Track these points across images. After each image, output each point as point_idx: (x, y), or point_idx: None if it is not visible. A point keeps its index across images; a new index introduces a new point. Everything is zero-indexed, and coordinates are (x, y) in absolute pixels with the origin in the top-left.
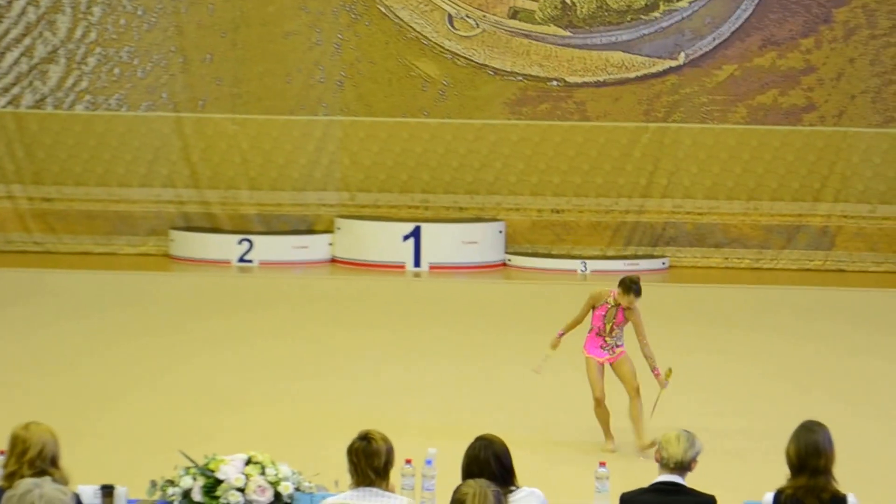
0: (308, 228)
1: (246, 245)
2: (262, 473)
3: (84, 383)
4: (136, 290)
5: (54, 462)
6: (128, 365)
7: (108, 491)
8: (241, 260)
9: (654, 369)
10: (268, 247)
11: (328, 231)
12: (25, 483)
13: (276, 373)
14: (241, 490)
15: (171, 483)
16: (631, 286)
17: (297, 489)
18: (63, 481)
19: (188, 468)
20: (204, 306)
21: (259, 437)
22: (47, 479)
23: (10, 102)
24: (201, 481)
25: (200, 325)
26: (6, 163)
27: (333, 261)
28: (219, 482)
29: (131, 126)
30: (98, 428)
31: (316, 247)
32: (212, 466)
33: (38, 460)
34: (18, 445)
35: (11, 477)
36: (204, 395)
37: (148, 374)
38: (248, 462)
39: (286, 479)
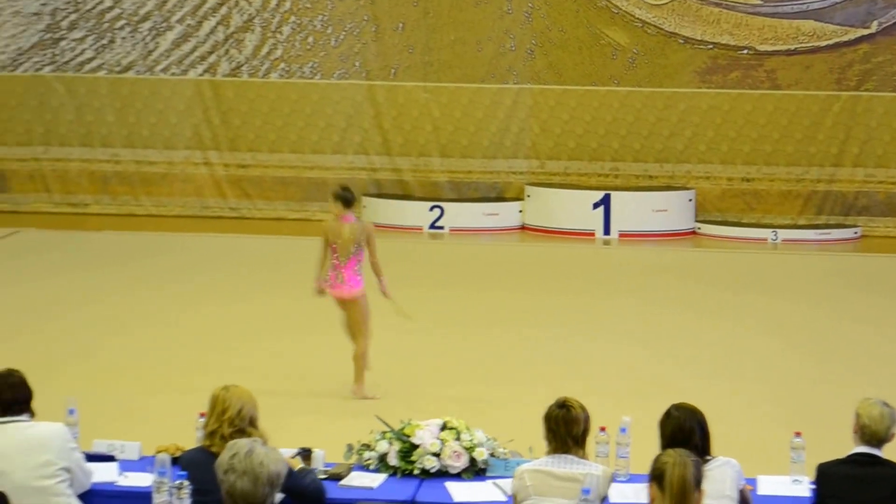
0: (498, 196)
1: (437, 212)
2: (458, 439)
3: (281, 350)
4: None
5: (252, 422)
6: (323, 331)
7: (306, 454)
8: (433, 227)
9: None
10: (458, 214)
11: (518, 198)
12: (242, 443)
13: (465, 340)
14: (437, 455)
15: (368, 447)
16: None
17: (492, 455)
18: (262, 442)
19: (384, 433)
20: (396, 272)
21: (454, 404)
22: (258, 440)
23: (206, 70)
24: (397, 446)
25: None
26: (203, 130)
27: (523, 228)
28: (414, 447)
29: (324, 94)
30: (297, 390)
31: (506, 214)
32: (407, 431)
33: (238, 419)
34: (218, 405)
35: (212, 435)
36: (397, 362)
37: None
38: (444, 427)
39: (481, 444)
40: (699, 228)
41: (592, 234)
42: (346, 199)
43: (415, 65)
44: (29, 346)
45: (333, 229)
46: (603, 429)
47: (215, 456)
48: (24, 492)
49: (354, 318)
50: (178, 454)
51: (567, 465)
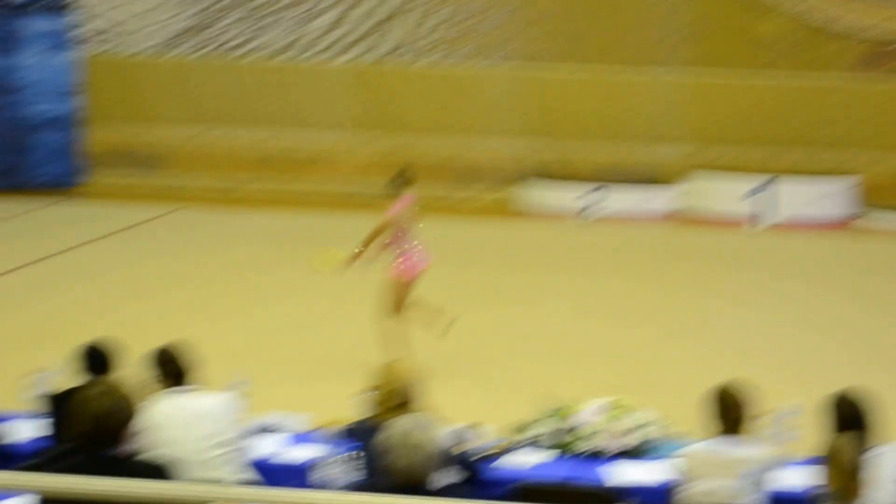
0: (658, 180)
1: (598, 195)
2: (623, 418)
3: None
4: (478, 239)
5: (416, 398)
6: (484, 311)
7: (465, 430)
8: (592, 210)
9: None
10: (619, 198)
11: (678, 183)
12: (402, 421)
13: (626, 322)
14: (600, 434)
15: (530, 424)
16: None
17: (658, 435)
18: (425, 418)
19: (548, 411)
20: (553, 257)
21: (621, 384)
22: (419, 417)
23: (361, 54)
24: (560, 424)
25: (550, 276)
26: (358, 113)
27: (680, 214)
28: (577, 426)
29: (482, 77)
30: (462, 368)
31: (665, 199)
32: (571, 410)
33: (402, 394)
34: (384, 379)
35: (377, 406)
36: (558, 341)
37: (513, 320)
38: (609, 407)
39: (646, 424)
40: (862, 216)
41: (749, 221)
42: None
43: (571, 48)
44: (194, 320)
45: (395, 214)
46: (772, 411)
47: (377, 422)
48: (190, 461)
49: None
50: (344, 427)
51: (734, 446)
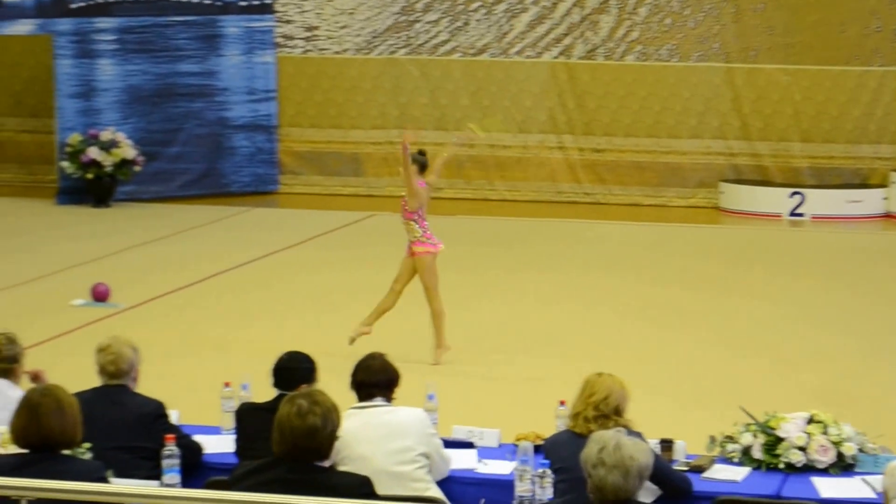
0: (862, 182)
1: (797, 198)
2: (825, 433)
3: (639, 334)
4: (685, 241)
5: (618, 412)
6: (672, 316)
7: (667, 445)
8: (793, 214)
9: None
10: (820, 200)
11: (882, 185)
12: (609, 435)
13: (824, 329)
14: (803, 449)
15: (731, 439)
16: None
17: (861, 450)
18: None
19: (748, 425)
20: (754, 260)
21: (813, 396)
22: (622, 430)
23: (561, 53)
24: (762, 439)
25: (750, 279)
26: (557, 113)
27: (888, 216)
28: (780, 440)
29: (682, 77)
30: (656, 382)
31: (870, 201)
32: (772, 424)
33: (603, 405)
34: (587, 389)
35: (576, 417)
36: (757, 350)
37: (695, 325)
38: (811, 421)
39: (849, 439)
40: None
41: None
42: (422, 162)
43: (775, 46)
44: (390, 330)
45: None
46: None
47: (577, 436)
48: (383, 477)
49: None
50: (538, 442)
51: None
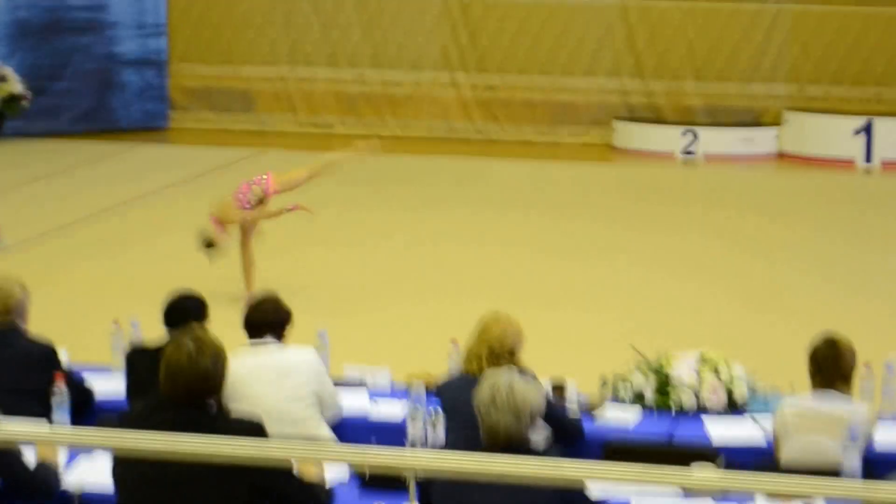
0: (754, 121)
1: (690, 137)
2: (716, 373)
3: (534, 271)
4: (578, 179)
5: (513, 353)
6: (567, 256)
7: (558, 386)
8: (685, 153)
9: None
10: (713, 139)
11: (775, 124)
12: (501, 378)
13: (713, 272)
14: (695, 390)
15: (622, 379)
16: None
17: (751, 390)
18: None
19: (639, 365)
20: (645, 199)
21: (705, 336)
22: (514, 371)
23: None
24: (653, 379)
25: (642, 214)
26: (451, 49)
27: (780, 155)
28: (670, 381)
29: (575, 13)
30: (548, 321)
31: (762, 140)
32: (663, 363)
33: (498, 346)
34: (481, 330)
35: (469, 358)
36: (652, 285)
37: (590, 263)
38: (701, 360)
39: (740, 379)
40: None
41: (852, 163)
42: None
43: None
44: (278, 269)
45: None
46: (867, 365)
47: (470, 378)
48: (274, 416)
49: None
50: (430, 381)
51: (831, 402)
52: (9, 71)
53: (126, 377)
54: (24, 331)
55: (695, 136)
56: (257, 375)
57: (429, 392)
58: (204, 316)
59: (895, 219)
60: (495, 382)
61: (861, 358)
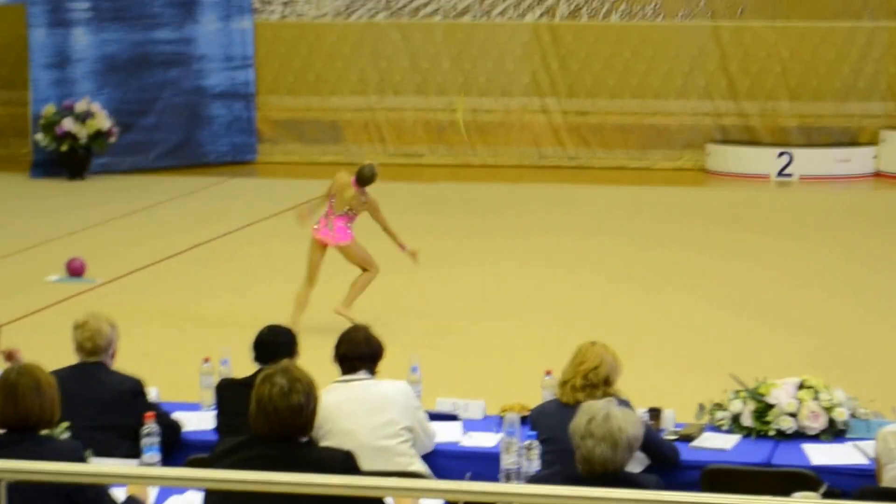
0: (851, 140)
1: (786, 158)
2: (816, 398)
3: (627, 298)
4: (671, 204)
5: (608, 382)
6: (660, 279)
7: (655, 413)
8: (781, 174)
9: (400, 245)
10: (808, 160)
11: (872, 143)
12: (598, 406)
13: (815, 291)
14: (794, 415)
15: (720, 407)
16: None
17: (853, 416)
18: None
19: (738, 391)
20: (742, 221)
21: (805, 360)
22: (613, 401)
23: (544, 13)
24: (751, 405)
25: (739, 240)
26: (541, 76)
27: (878, 175)
28: (770, 407)
29: (667, 36)
30: (644, 348)
31: (859, 160)
32: (762, 390)
33: (593, 374)
34: (578, 357)
35: (564, 385)
36: (746, 314)
37: (684, 288)
38: (801, 386)
39: (841, 404)
40: None
41: None
42: (362, 177)
43: (762, 3)
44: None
45: (340, 184)
46: None
47: (565, 406)
48: (366, 451)
49: (354, 259)
50: (524, 413)
51: None
52: (96, 106)
53: (216, 410)
54: (112, 368)
55: (790, 157)
56: (349, 410)
57: (523, 422)
58: (294, 352)
59: None
60: (592, 410)
61: None
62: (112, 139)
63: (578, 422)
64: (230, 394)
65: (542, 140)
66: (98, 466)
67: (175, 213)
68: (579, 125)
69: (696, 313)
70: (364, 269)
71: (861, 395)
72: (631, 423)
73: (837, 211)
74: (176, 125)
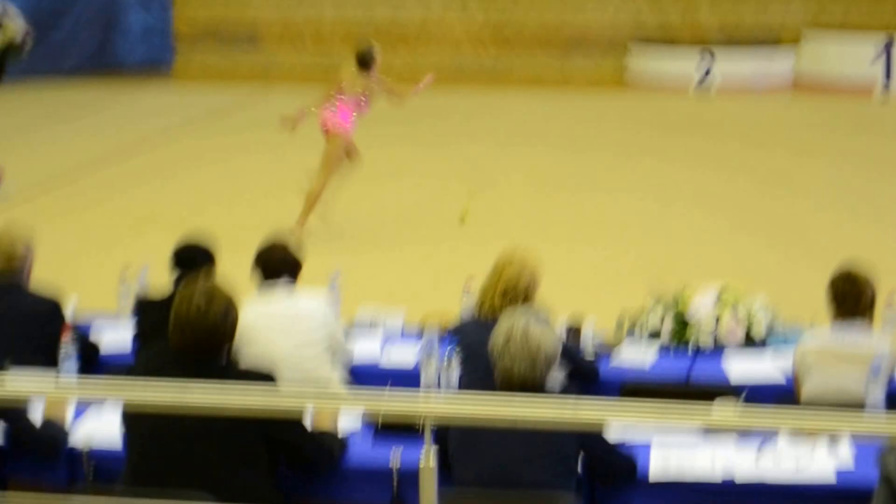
0: (771, 42)
1: (706, 60)
2: (734, 311)
3: (552, 204)
4: (592, 109)
5: (528, 295)
6: (580, 190)
7: (574, 329)
8: (701, 77)
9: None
10: (728, 62)
11: (793, 43)
12: (517, 323)
13: (729, 205)
14: (712, 329)
15: (639, 320)
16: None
17: (771, 325)
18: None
19: (656, 304)
20: (659, 128)
21: (723, 270)
22: (532, 315)
23: None
24: (670, 318)
25: (654, 148)
26: None
27: (798, 79)
28: (688, 320)
29: None
30: (561, 258)
31: (780, 61)
32: (681, 305)
33: (511, 288)
34: (497, 270)
35: (482, 299)
36: (662, 225)
37: (600, 201)
38: (721, 293)
39: (759, 315)
40: None
41: (872, 87)
42: (362, 57)
43: None
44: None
45: (346, 79)
46: (889, 296)
47: (483, 321)
48: (285, 363)
49: (329, 152)
50: (444, 323)
51: (852, 335)
52: (11, 8)
53: (134, 331)
54: (28, 284)
55: (712, 57)
56: (267, 323)
57: (442, 335)
58: (212, 260)
59: None
60: (510, 326)
61: (882, 289)
62: (28, 41)
63: (497, 337)
64: (147, 312)
65: (461, 48)
66: (14, 381)
67: (91, 122)
68: (499, 31)
69: (617, 220)
70: (320, 175)
71: (782, 300)
72: (549, 340)
73: (756, 115)
74: (91, 31)
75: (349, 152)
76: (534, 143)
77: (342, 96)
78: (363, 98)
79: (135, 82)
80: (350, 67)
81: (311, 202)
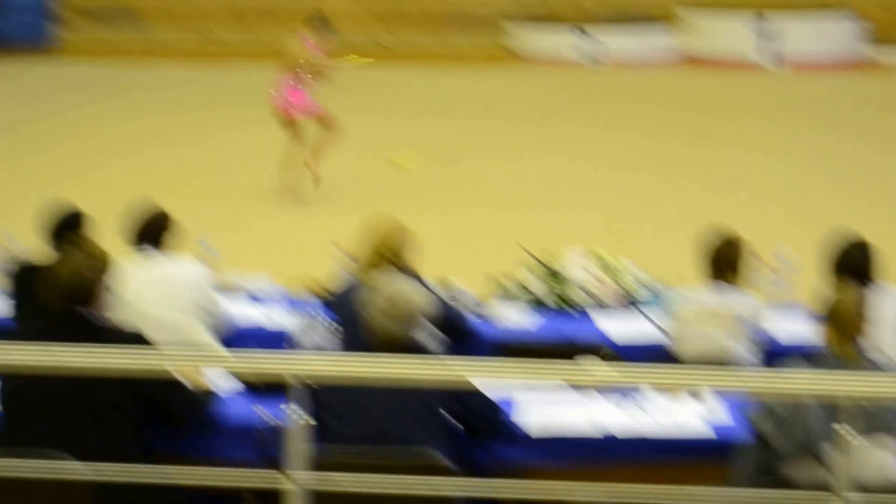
0: (647, 18)
1: (584, 37)
2: (604, 268)
3: (423, 181)
4: (471, 86)
5: (398, 255)
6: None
7: (446, 287)
8: (582, 52)
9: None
10: (611, 38)
11: (669, 21)
12: (386, 282)
13: (605, 166)
14: (585, 288)
15: (511, 279)
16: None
17: (641, 284)
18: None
19: (530, 264)
20: (543, 104)
21: (590, 235)
22: (401, 276)
23: None
24: (543, 278)
25: (546, 125)
26: None
27: (679, 56)
28: (562, 279)
29: None
30: (434, 223)
31: (657, 39)
32: (551, 262)
33: (382, 249)
34: (367, 233)
35: (359, 262)
36: (535, 191)
37: (475, 171)
38: (589, 257)
39: (629, 273)
40: None
41: (746, 61)
42: (314, 20)
43: None
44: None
45: (292, 51)
46: (758, 256)
47: (360, 284)
48: (158, 326)
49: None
50: (316, 288)
51: (721, 294)
52: None
53: (13, 299)
54: None
55: (589, 35)
56: (141, 288)
57: (316, 298)
58: (81, 224)
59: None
60: (379, 288)
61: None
62: None
63: (366, 297)
64: (25, 278)
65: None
66: None
67: None
68: (379, 8)
69: (492, 186)
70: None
71: (649, 264)
72: (416, 296)
73: (643, 89)
74: None
75: (326, 124)
76: (414, 115)
77: (291, 77)
78: (310, 73)
79: (15, 59)
80: (293, 42)
81: (320, 150)
